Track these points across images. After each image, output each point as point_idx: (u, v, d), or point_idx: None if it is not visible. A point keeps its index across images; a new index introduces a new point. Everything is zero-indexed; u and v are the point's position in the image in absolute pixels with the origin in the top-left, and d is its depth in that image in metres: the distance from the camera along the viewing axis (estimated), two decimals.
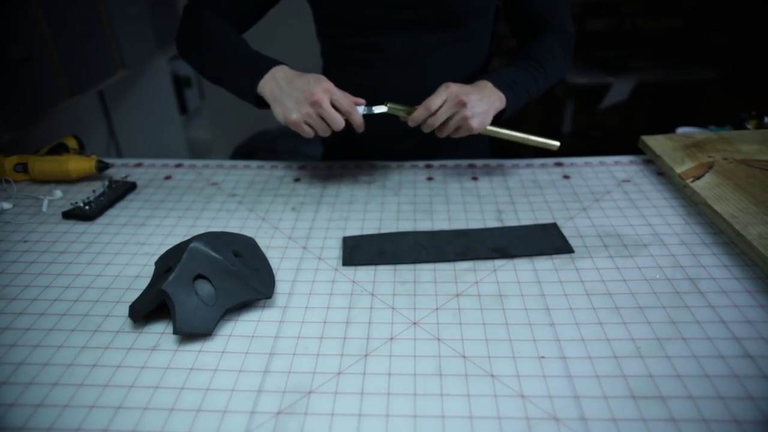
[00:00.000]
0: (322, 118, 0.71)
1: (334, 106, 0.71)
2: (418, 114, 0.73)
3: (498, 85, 0.75)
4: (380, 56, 0.81)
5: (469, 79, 0.79)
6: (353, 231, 0.70)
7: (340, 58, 0.87)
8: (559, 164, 0.87)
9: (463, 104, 0.71)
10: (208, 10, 0.81)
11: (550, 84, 0.83)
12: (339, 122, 0.71)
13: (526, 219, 0.72)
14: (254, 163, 0.91)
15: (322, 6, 0.82)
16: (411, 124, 0.75)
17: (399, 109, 0.76)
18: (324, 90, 0.69)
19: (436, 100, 0.72)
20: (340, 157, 0.94)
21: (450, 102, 0.72)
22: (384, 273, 0.62)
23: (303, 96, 0.69)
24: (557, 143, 0.83)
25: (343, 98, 0.71)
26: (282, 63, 0.75)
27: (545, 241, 0.66)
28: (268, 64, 0.74)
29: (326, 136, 0.73)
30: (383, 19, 0.78)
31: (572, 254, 0.64)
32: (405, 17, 0.78)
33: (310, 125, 0.71)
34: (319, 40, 0.90)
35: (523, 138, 0.80)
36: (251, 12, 0.85)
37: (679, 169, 0.76)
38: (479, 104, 0.73)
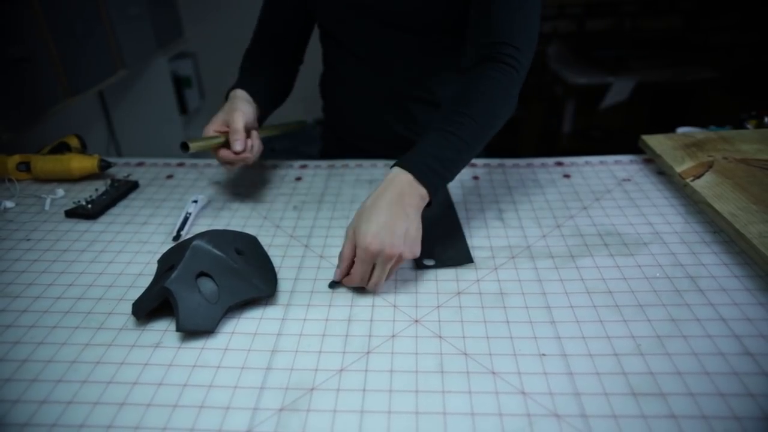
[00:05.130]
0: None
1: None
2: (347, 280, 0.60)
3: (420, 175, 0.59)
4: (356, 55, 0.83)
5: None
6: None
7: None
8: (559, 164, 0.87)
9: (386, 258, 0.56)
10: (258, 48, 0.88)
11: (493, 132, 0.67)
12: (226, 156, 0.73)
13: (527, 218, 0.72)
14: (255, 163, 0.91)
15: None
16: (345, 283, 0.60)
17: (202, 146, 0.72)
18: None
19: (357, 267, 0.57)
20: (339, 155, 0.94)
21: (365, 262, 0.57)
22: None
23: None
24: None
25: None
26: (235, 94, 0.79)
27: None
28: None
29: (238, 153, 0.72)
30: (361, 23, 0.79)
31: (572, 253, 0.64)
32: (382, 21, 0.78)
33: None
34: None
35: None
36: (294, 39, 0.89)
37: (679, 168, 0.76)
38: (399, 239, 0.56)
